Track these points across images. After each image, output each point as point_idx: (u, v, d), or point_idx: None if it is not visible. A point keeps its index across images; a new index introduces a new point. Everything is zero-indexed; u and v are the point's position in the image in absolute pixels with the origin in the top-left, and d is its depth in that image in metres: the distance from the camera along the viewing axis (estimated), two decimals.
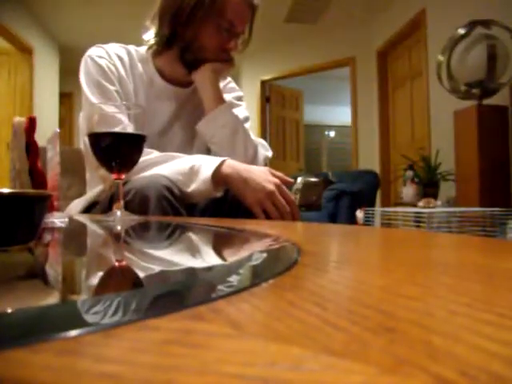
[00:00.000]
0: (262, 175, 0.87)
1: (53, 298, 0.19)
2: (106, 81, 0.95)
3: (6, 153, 3.74)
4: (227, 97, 1.09)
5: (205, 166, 0.85)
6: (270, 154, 1.09)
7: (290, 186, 0.93)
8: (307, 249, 0.30)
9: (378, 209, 2.71)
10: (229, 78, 1.17)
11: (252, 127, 1.12)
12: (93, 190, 1.02)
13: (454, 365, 0.09)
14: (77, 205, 1.03)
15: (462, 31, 2.64)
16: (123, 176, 0.69)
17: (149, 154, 0.89)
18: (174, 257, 0.32)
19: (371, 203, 3.36)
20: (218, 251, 0.36)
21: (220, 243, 0.42)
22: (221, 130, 1.00)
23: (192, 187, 0.84)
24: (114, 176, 0.69)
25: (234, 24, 0.98)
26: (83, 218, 0.78)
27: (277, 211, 0.85)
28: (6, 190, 0.30)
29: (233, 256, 0.33)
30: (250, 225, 0.58)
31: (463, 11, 2.96)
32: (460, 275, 0.21)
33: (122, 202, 0.67)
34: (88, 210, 1.01)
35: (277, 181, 0.87)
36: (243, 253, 0.34)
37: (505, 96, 2.56)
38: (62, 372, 0.09)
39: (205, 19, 0.95)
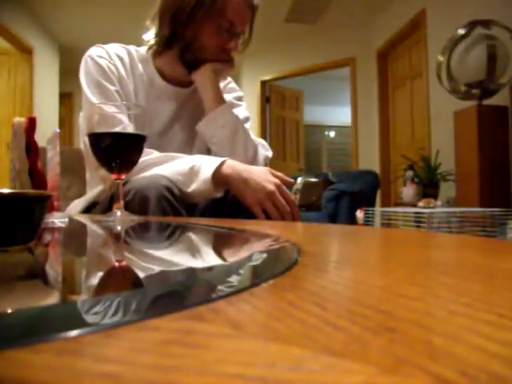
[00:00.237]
0: (262, 175, 0.87)
1: (53, 298, 0.19)
2: (107, 81, 0.95)
3: (6, 153, 3.74)
4: (227, 97, 1.09)
5: (205, 166, 0.85)
6: (270, 154, 1.09)
7: (290, 186, 0.93)
8: (307, 249, 0.30)
9: (378, 209, 2.71)
10: (229, 79, 1.17)
11: (252, 127, 1.12)
12: (93, 191, 1.02)
13: (454, 365, 0.09)
14: (77, 205, 1.03)
15: (461, 31, 2.64)
16: (123, 176, 0.69)
17: (149, 154, 0.89)
18: (174, 257, 0.32)
19: (371, 203, 3.36)
20: (218, 251, 0.36)
21: (220, 243, 0.42)
22: (221, 130, 1.00)
23: (192, 187, 0.84)
24: (114, 176, 0.69)
25: (234, 24, 0.98)
26: (83, 218, 0.78)
27: (277, 211, 0.85)
28: (5, 190, 0.30)
29: (233, 256, 0.33)
30: (250, 225, 0.58)
31: (463, 11, 2.96)
32: (460, 275, 0.21)
33: (121, 203, 0.67)
34: (88, 210, 1.01)
35: (277, 181, 0.87)
36: (243, 253, 0.34)
37: (505, 96, 2.56)
38: (62, 372, 0.09)
39: (205, 19, 0.95)
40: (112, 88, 0.95)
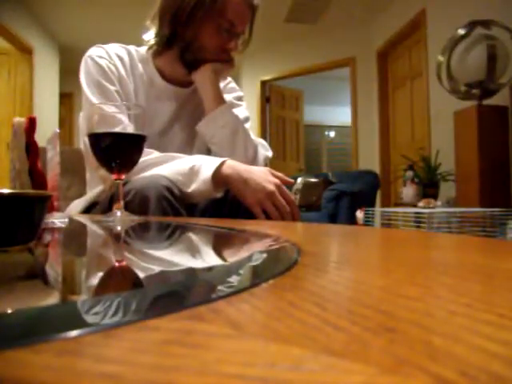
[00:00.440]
0: (262, 175, 0.87)
1: (53, 299, 0.19)
2: (107, 81, 0.95)
3: (6, 153, 3.74)
4: (227, 97, 1.09)
5: (205, 166, 0.85)
6: (270, 154, 1.09)
7: (290, 186, 0.93)
8: (307, 249, 0.30)
9: (378, 209, 2.71)
10: (229, 78, 1.17)
11: (252, 127, 1.12)
12: (93, 191, 1.02)
13: (454, 365, 0.09)
14: (77, 205, 1.03)
15: (461, 31, 2.64)
16: (123, 176, 0.69)
17: (149, 155, 0.89)
18: (174, 257, 0.32)
19: (371, 203, 3.36)
20: (218, 251, 0.36)
21: (220, 243, 0.42)
22: (221, 130, 1.00)
23: (192, 187, 0.84)
24: (114, 176, 0.69)
25: (234, 24, 0.98)
26: (83, 219, 0.78)
27: (277, 211, 0.85)
28: (6, 191, 0.30)
29: (233, 256, 0.33)
30: (250, 225, 0.58)
31: (463, 11, 2.96)
32: (460, 275, 0.21)
33: (122, 203, 0.67)
34: (88, 210, 1.01)
35: (277, 181, 0.87)
36: (243, 253, 0.34)
37: (505, 96, 2.56)
38: (62, 372, 0.09)
39: (205, 19, 0.96)
40: (112, 88, 0.95)
